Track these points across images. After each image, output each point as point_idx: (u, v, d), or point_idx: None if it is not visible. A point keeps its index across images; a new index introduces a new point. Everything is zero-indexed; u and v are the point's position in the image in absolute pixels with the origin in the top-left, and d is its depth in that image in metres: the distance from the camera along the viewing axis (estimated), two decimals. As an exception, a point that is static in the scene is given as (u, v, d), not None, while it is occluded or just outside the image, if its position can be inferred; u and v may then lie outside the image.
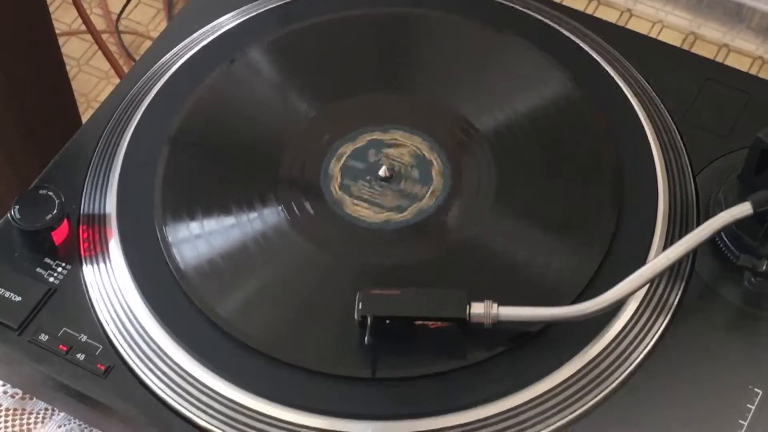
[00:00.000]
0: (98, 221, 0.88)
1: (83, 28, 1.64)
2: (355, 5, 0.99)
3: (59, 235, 0.87)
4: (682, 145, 0.92)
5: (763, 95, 0.95)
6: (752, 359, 0.82)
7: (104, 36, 1.78)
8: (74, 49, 1.83)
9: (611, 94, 0.94)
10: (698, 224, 0.86)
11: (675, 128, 0.93)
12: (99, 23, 1.83)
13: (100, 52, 1.72)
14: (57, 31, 1.33)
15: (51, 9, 1.77)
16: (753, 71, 1.71)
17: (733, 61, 1.72)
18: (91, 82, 1.80)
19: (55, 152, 0.94)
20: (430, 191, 0.88)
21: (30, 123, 1.28)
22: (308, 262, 0.85)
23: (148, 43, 1.83)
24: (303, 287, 0.84)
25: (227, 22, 0.99)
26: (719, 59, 1.72)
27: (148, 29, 1.85)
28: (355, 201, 0.88)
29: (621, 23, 1.76)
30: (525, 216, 0.88)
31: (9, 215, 0.86)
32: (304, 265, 0.85)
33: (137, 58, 1.79)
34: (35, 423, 0.87)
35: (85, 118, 1.52)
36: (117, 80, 1.74)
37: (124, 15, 1.86)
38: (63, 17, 1.84)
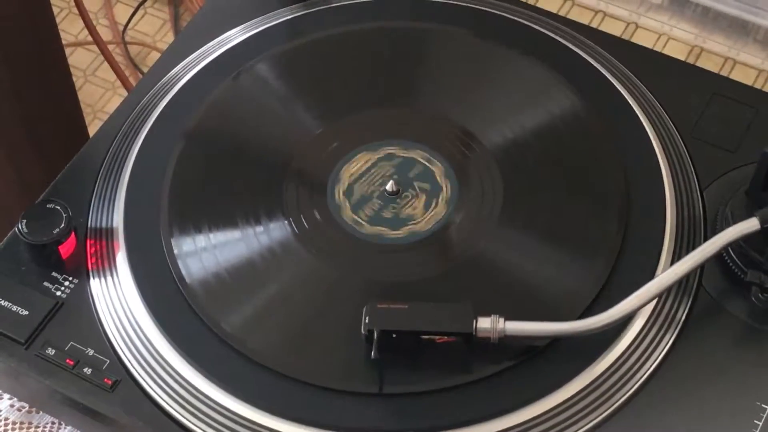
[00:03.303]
0: (105, 235, 0.88)
1: (90, 38, 1.64)
2: (362, 20, 0.99)
3: (66, 248, 0.87)
4: (689, 160, 0.92)
5: (770, 110, 0.95)
6: (759, 375, 0.82)
7: (110, 47, 1.78)
8: (81, 60, 1.83)
9: (618, 108, 0.94)
10: (705, 239, 0.86)
11: (682, 143, 0.93)
12: (105, 34, 1.83)
13: (106, 63, 1.72)
14: (63, 42, 1.33)
15: (57, 20, 1.77)
16: (758, 84, 1.71)
17: (738, 75, 1.72)
18: (98, 92, 1.80)
19: (61, 163, 0.94)
20: (436, 206, 0.88)
21: (36, 133, 1.28)
22: (315, 276, 0.85)
23: (154, 54, 1.83)
24: (309, 302, 0.84)
25: (235, 36, 0.99)
26: (724, 73, 1.72)
27: (155, 40, 1.85)
28: (362, 216, 0.88)
29: (626, 36, 1.76)
30: (532, 230, 0.87)
31: (16, 229, 0.86)
32: (311, 279, 0.85)
33: (143, 68, 1.79)
34: (42, 437, 0.87)
35: (91, 129, 1.52)
36: (123, 91, 1.74)
37: (130, 26, 1.86)
38: (69, 28, 1.85)
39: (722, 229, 0.84)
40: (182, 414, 0.81)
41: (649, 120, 0.93)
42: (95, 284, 0.86)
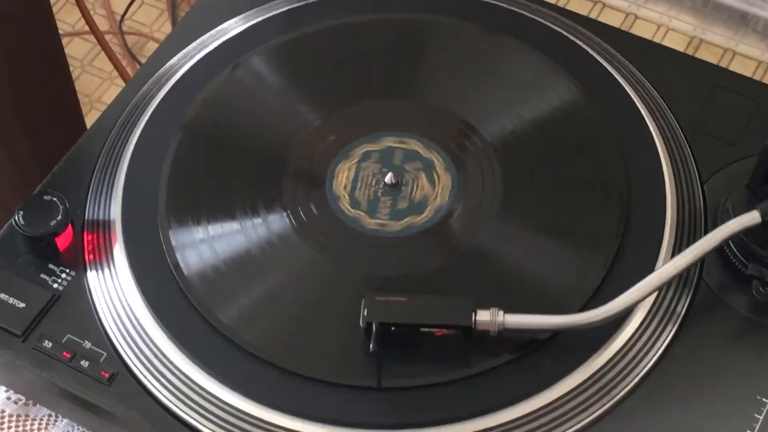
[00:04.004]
0: (103, 227, 0.88)
1: (87, 28, 1.64)
2: (360, 11, 0.99)
3: (63, 240, 0.86)
4: (690, 153, 0.92)
5: (772, 103, 0.94)
6: (760, 369, 0.82)
7: (108, 36, 1.77)
8: (78, 50, 1.82)
9: (618, 100, 0.94)
10: (706, 232, 0.85)
11: (683, 135, 0.93)
12: (102, 24, 1.82)
13: (103, 53, 1.71)
14: (60, 32, 1.33)
15: (54, 10, 1.76)
16: (758, 76, 1.70)
17: (737, 66, 1.72)
18: (95, 82, 1.80)
19: (58, 153, 0.93)
20: (436, 198, 0.88)
21: (33, 123, 1.28)
22: (313, 268, 0.85)
23: (151, 44, 1.82)
24: (308, 294, 0.84)
25: (232, 26, 0.99)
26: (724, 64, 1.71)
27: (152, 30, 1.85)
28: (361, 208, 0.88)
29: (625, 27, 1.75)
30: (532, 223, 0.87)
31: (13, 221, 0.86)
32: (310, 272, 0.85)
33: (141, 58, 1.79)
34: (39, 429, 0.87)
35: (88, 119, 1.52)
36: (120, 81, 1.74)
37: (127, 15, 1.85)
38: (66, 18, 1.84)
39: (723, 222, 0.83)
40: (179, 407, 0.80)
41: (649, 112, 0.93)
42: (92, 276, 0.86)
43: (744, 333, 0.83)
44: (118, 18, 1.84)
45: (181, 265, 0.85)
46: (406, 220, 0.87)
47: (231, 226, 0.87)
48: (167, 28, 1.84)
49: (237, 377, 0.80)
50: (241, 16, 1.00)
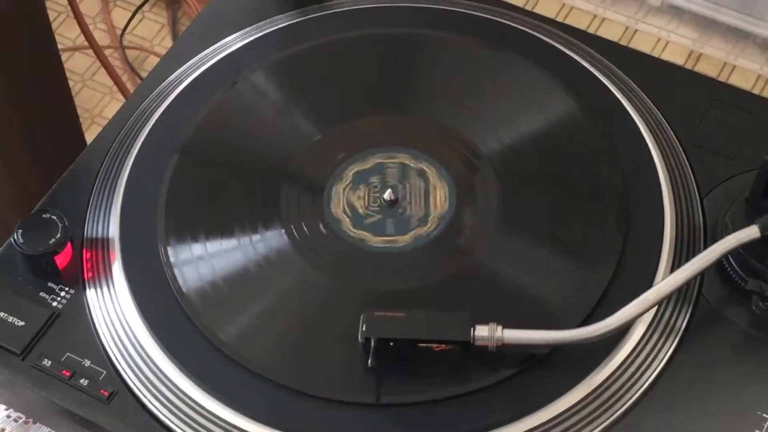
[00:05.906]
0: (101, 245, 0.87)
1: (87, 43, 1.64)
2: (358, 26, 0.99)
3: (62, 259, 0.86)
4: (689, 167, 0.92)
5: (770, 117, 0.94)
6: (760, 384, 0.82)
7: (108, 51, 1.77)
8: (78, 65, 1.82)
9: (616, 115, 0.94)
10: (705, 247, 0.85)
11: (681, 150, 0.93)
12: (103, 38, 1.82)
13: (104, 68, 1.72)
14: (61, 47, 1.33)
15: (55, 25, 1.77)
16: (757, 89, 1.70)
17: (737, 79, 1.72)
18: (95, 97, 1.80)
19: (58, 168, 0.93)
20: (434, 214, 0.88)
21: (33, 138, 1.28)
22: (312, 285, 0.85)
23: (152, 58, 1.82)
24: (306, 311, 0.84)
25: (232, 42, 0.99)
26: (723, 77, 1.71)
27: (153, 44, 1.85)
28: (359, 224, 0.88)
29: (624, 41, 1.75)
30: (531, 238, 0.87)
31: (12, 239, 0.86)
32: (308, 288, 0.85)
33: (141, 73, 1.79)
34: (38, 447, 0.87)
35: (88, 134, 1.52)
36: (121, 96, 1.74)
37: (128, 30, 1.85)
38: (67, 33, 1.84)
39: (722, 236, 0.83)
40: (178, 425, 0.80)
41: (647, 127, 0.93)
42: (91, 294, 0.86)
43: (744, 348, 0.83)
44: (119, 32, 1.85)
45: (180, 282, 0.85)
46: (404, 235, 0.87)
47: (230, 243, 0.87)
48: (168, 42, 1.84)
49: (235, 394, 0.80)
50: (242, 31, 1.00)
